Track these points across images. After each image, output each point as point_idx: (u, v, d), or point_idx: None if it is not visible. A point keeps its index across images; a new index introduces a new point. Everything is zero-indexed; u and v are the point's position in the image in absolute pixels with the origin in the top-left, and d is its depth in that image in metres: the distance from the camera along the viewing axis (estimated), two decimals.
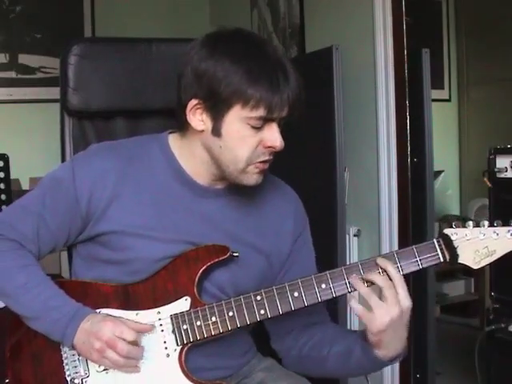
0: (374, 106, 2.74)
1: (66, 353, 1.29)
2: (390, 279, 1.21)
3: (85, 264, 1.37)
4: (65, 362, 1.28)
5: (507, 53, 3.96)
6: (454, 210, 4.47)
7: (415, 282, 2.55)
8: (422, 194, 2.55)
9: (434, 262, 1.25)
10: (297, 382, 1.40)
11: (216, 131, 1.26)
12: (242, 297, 1.26)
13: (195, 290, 1.28)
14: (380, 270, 1.23)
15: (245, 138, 1.25)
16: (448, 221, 3.74)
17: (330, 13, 3.05)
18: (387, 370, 2.72)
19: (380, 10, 2.68)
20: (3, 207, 2.30)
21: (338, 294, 1.25)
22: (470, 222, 1.26)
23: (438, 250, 1.25)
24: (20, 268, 1.28)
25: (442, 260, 1.25)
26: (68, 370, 1.28)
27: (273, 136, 1.25)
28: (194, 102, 1.26)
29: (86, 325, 1.23)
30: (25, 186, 3.35)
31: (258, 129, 1.24)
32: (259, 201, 1.41)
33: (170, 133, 1.39)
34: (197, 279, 1.28)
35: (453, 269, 3.87)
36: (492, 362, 2.05)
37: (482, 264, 1.25)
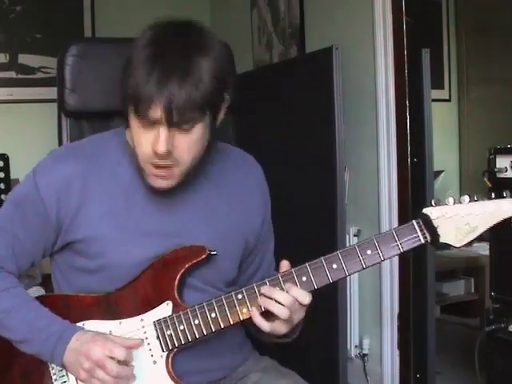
0: (374, 105, 2.73)
1: (54, 368, 1.27)
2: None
3: (64, 276, 1.35)
4: (53, 377, 1.27)
5: (507, 53, 3.95)
6: None
7: (415, 282, 2.55)
8: (422, 194, 2.54)
9: (414, 245, 1.22)
10: (294, 382, 1.38)
11: (128, 122, 1.25)
12: (223, 296, 1.24)
13: (176, 294, 1.26)
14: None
15: (139, 136, 1.21)
16: None
17: (330, 13, 3.05)
18: (387, 370, 2.71)
19: (380, 9, 2.68)
20: None
21: (319, 285, 1.22)
22: (451, 199, 1.21)
23: (418, 231, 1.21)
24: (2, 292, 1.26)
25: (423, 241, 1.21)
26: None
27: (156, 139, 1.18)
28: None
29: (75, 344, 1.21)
30: None
31: (146, 129, 1.19)
32: (224, 180, 1.38)
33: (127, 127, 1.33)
34: (176, 282, 1.26)
35: (453, 269, 3.88)
36: (492, 361, 2.05)
37: (465, 241, 1.20)
